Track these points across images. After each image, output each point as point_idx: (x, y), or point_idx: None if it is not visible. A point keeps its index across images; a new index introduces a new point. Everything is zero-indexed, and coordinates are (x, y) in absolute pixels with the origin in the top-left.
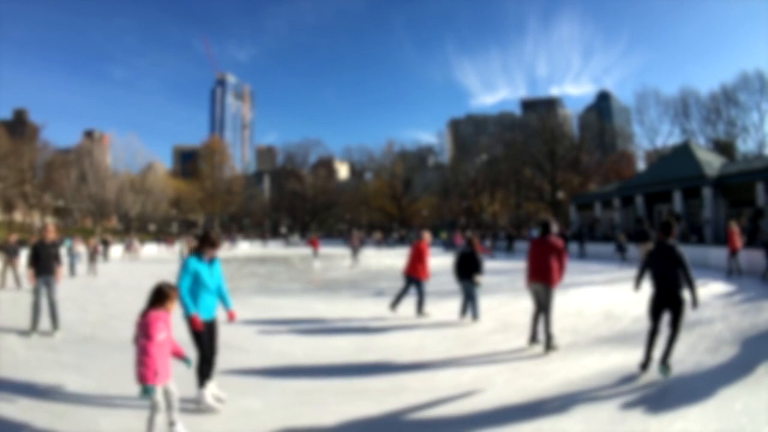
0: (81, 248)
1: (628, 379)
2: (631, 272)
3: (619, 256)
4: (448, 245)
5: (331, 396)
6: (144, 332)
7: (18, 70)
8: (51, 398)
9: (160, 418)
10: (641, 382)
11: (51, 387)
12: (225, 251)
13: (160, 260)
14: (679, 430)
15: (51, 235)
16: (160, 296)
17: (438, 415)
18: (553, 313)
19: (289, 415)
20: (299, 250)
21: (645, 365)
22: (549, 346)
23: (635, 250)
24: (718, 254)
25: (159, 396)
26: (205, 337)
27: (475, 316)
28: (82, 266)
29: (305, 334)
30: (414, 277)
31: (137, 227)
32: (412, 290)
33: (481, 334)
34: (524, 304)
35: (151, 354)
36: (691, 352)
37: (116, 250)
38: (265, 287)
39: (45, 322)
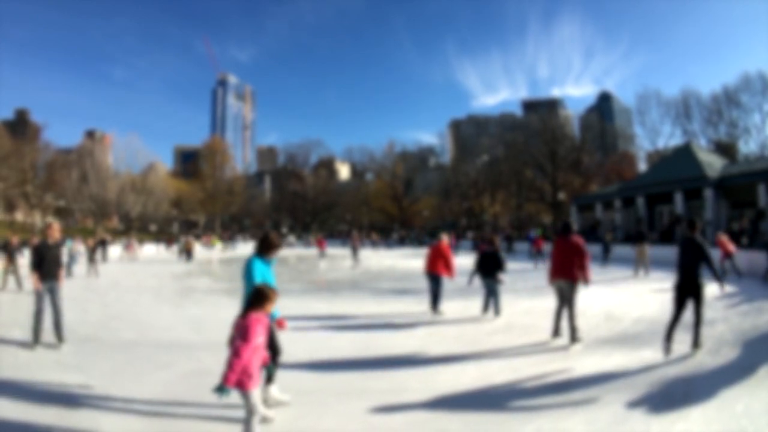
0: (80, 248)
1: (630, 379)
2: (619, 273)
3: (602, 256)
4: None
5: (332, 396)
6: (242, 334)
7: (19, 70)
8: (51, 398)
9: (256, 421)
10: (647, 379)
11: (51, 387)
12: (223, 252)
13: (159, 261)
14: (681, 431)
15: (56, 234)
16: (260, 298)
17: (438, 415)
18: (577, 308)
19: (290, 415)
20: (296, 251)
21: (669, 338)
22: (574, 338)
23: (630, 251)
24: (716, 255)
25: (257, 399)
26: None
27: (497, 312)
28: (80, 267)
29: (306, 334)
30: (436, 274)
31: (138, 227)
32: (417, 287)
33: (482, 334)
34: (525, 305)
35: (242, 357)
36: (692, 353)
37: (114, 250)
38: None
39: (47, 333)
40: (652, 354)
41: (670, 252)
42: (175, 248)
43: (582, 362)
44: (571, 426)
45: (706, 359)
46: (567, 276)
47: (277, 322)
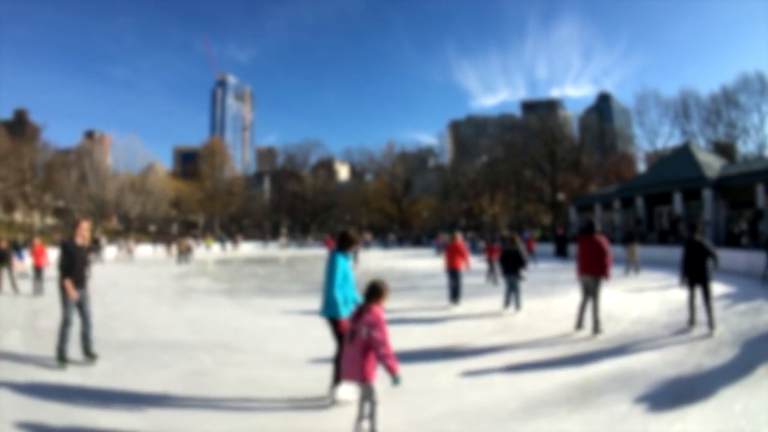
0: None
1: (628, 380)
2: (612, 273)
3: None
4: (440, 248)
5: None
6: (377, 326)
7: (18, 70)
8: (51, 398)
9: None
10: (646, 379)
11: (51, 387)
12: (224, 252)
13: (156, 261)
14: (679, 431)
15: (85, 233)
16: (378, 292)
17: (438, 415)
18: (601, 302)
19: (289, 417)
20: (288, 252)
21: (692, 322)
22: (596, 329)
23: (621, 251)
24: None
25: (378, 390)
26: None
27: (518, 306)
28: None
29: (304, 334)
30: (456, 270)
31: (137, 228)
32: (416, 287)
33: (481, 334)
34: (523, 306)
35: (389, 343)
36: (691, 353)
37: (110, 250)
38: (264, 288)
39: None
40: (650, 354)
41: (668, 252)
42: (173, 249)
43: (581, 362)
44: (569, 426)
45: (705, 359)
46: (591, 272)
47: (340, 322)
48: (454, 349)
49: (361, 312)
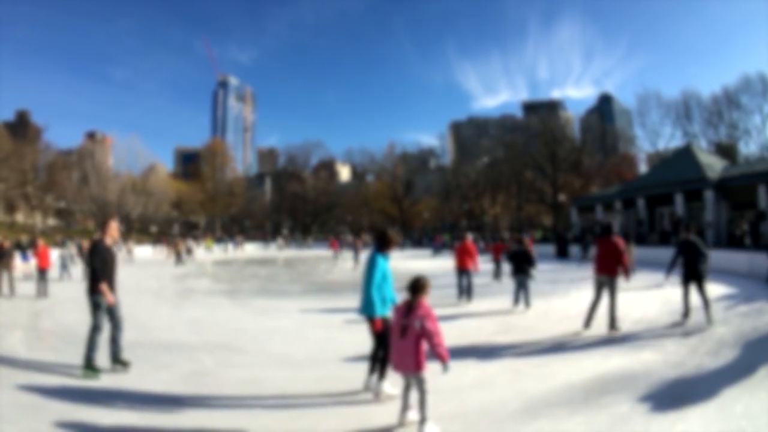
0: (73, 251)
1: (630, 381)
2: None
3: (581, 255)
4: (436, 249)
5: (333, 397)
6: (430, 317)
7: (20, 71)
8: (53, 399)
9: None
10: (647, 380)
11: (52, 387)
12: (226, 253)
13: (156, 263)
14: None
15: (115, 233)
16: (423, 286)
17: (440, 416)
18: (618, 301)
19: (290, 417)
20: (285, 254)
21: (686, 314)
22: (613, 326)
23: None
24: (717, 256)
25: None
26: (387, 331)
27: (527, 304)
28: (75, 269)
29: (305, 335)
30: (465, 269)
31: (138, 229)
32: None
33: (482, 335)
34: (523, 307)
35: (442, 335)
36: (693, 354)
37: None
38: (265, 289)
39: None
40: (652, 355)
41: (669, 253)
42: (170, 250)
43: (582, 363)
44: (571, 427)
45: (706, 360)
46: (608, 271)
47: (375, 321)
48: (456, 350)
49: (410, 307)
